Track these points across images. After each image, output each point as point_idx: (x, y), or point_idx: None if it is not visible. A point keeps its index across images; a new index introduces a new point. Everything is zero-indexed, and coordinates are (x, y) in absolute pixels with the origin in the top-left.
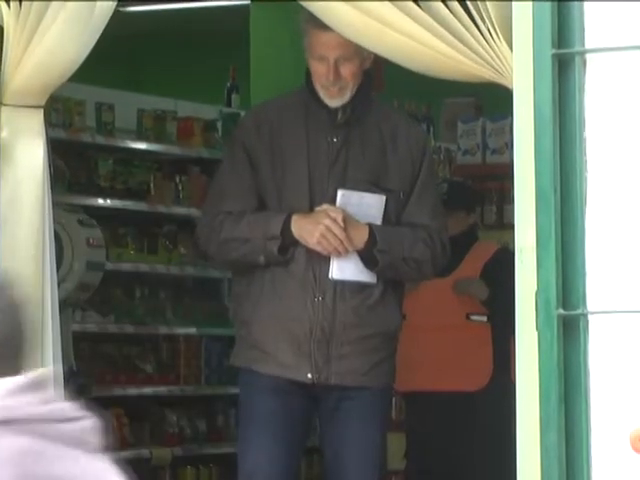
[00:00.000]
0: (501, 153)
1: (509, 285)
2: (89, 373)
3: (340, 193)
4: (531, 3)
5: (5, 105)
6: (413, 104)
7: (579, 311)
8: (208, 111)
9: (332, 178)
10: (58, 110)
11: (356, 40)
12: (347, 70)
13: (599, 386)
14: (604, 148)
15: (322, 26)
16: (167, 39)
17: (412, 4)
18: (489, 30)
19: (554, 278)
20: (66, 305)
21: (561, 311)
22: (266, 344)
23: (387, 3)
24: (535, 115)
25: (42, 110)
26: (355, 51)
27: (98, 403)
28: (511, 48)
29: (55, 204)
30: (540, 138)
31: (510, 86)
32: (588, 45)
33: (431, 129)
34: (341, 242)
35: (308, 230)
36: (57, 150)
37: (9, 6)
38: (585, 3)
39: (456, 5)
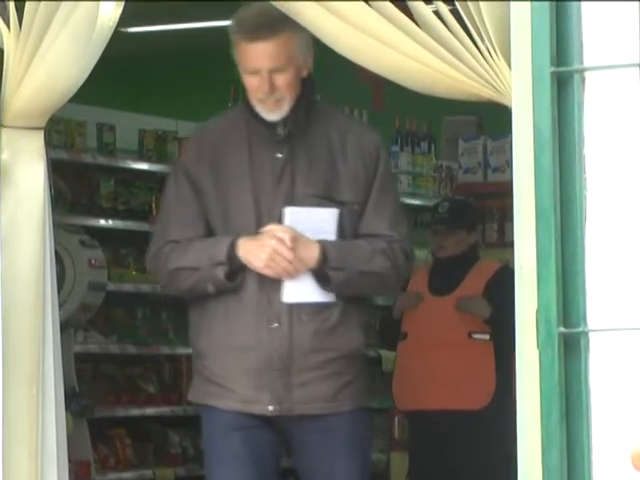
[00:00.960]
0: (502, 171)
1: (511, 303)
2: (91, 394)
3: (287, 211)
4: (529, 21)
5: (5, 127)
6: (414, 122)
7: (580, 329)
8: None
9: (279, 196)
10: (59, 131)
11: (354, 59)
12: (282, 81)
13: (600, 404)
14: (604, 166)
15: (251, 37)
16: (168, 60)
17: (411, 23)
18: (488, 49)
19: (554, 296)
20: (68, 326)
21: (562, 329)
22: (223, 378)
23: (385, 22)
24: (534, 133)
25: (43, 132)
26: (289, 60)
27: (101, 424)
28: (510, 66)
29: (57, 225)
30: (539, 156)
31: (509, 104)
32: (587, 63)
33: (432, 147)
34: (290, 263)
35: (255, 254)
36: (59, 171)
37: (9, 28)
38: (583, 21)
39: (455, 24)
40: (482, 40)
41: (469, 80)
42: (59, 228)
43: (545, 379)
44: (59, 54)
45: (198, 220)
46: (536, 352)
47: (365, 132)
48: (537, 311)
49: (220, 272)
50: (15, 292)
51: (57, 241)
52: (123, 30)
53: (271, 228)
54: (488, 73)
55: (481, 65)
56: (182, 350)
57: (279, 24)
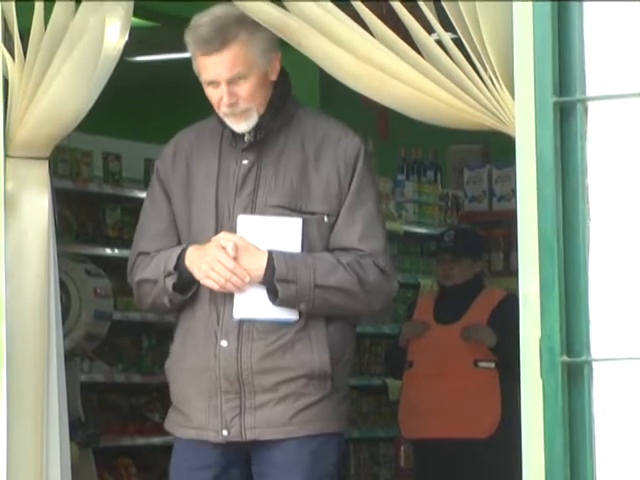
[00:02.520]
0: (508, 200)
1: (516, 331)
2: (97, 423)
3: (240, 219)
4: (532, 51)
5: (10, 157)
6: (420, 151)
7: (583, 358)
8: None
9: (240, 204)
10: (65, 160)
11: (358, 89)
12: (243, 91)
13: (604, 433)
14: (607, 195)
15: (207, 49)
16: (173, 89)
17: (414, 52)
18: (491, 78)
19: (558, 325)
20: (73, 355)
21: (565, 358)
22: (182, 402)
23: (389, 52)
24: (537, 162)
25: (47, 161)
26: (248, 68)
27: (106, 453)
28: (513, 96)
29: (62, 254)
30: (543, 186)
31: (512, 134)
32: (589, 93)
33: (438, 176)
34: (233, 274)
35: (197, 264)
36: (64, 200)
37: (14, 58)
38: (586, 51)
39: (458, 53)
40: (485, 70)
41: (472, 110)
42: (65, 257)
43: (549, 408)
44: (64, 84)
45: (171, 229)
46: (540, 381)
47: (343, 136)
48: (540, 340)
49: (169, 283)
50: (20, 321)
51: (63, 270)
52: (129, 59)
53: (218, 236)
54: (491, 102)
55: (484, 95)
56: None
57: (231, 32)
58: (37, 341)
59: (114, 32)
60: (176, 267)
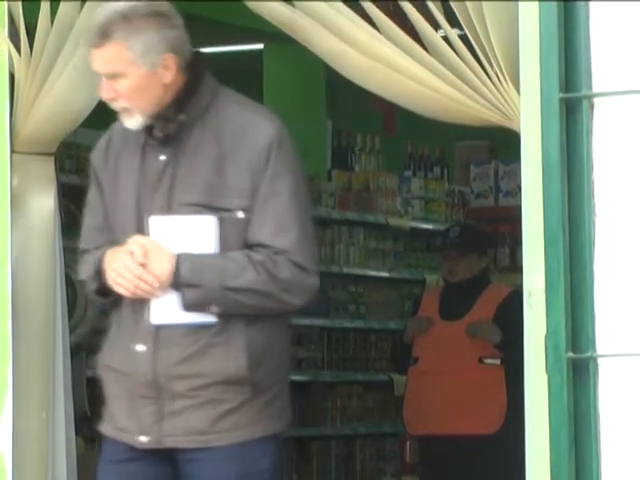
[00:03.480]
0: (514, 196)
1: (522, 328)
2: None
3: (152, 220)
4: (538, 47)
5: (16, 153)
6: (426, 147)
7: (588, 354)
8: None
9: (156, 203)
10: (71, 156)
11: (364, 85)
12: (122, 89)
13: (610, 429)
14: (612, 191)
15: (90, 41)
16: None
17: (420, 49)
18: (497, 74)
19: (563, 321)
20: (79, 350)
21: (571, 354)
22: (108, 403)
23: (395, 48)
24: (543, 159)
25: (53, 157)
26: (127, 67)
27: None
28: (519, 92)
29: (68, 249)
30: (548, 182)
31: (518, 130)
32: (595, 89)
33: (445, 172)
34: (141, 280)
35: (106, 269)
36: (70, 196)
37: (20, 54)
38: (592, 47)
39: (464, 50)
40: (491, 66)
41: (478, 106)
42: (71, 252)
43: (554, 404)
44: (70, 80)
45: (106, 225)
46: (545, 377)
47: (257, 124)
48: (546, 336)
49: (91, 286)
50: (26, 316)
51: (69, 265)
52: None
53: (130, 240)
54: (497, 99)
55: (490, 91)
56: None
57: (110, 29)
58: (43, 336)
59: None
60: (99, 271)
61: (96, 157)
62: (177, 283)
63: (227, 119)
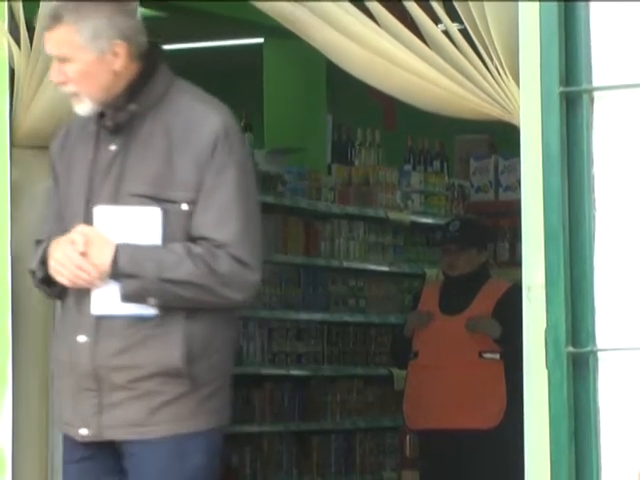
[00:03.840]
0: (514, 190)
1: (521, 322)
2: None
3: (97, 210)
4: (538, 41)
5: (16, 147)
6: (426, 141)
7: (589, 348)
8: None
9: (104, 193)
10: None
11: (364, 79)
12: (70, 72)
13: (609, 424)
14: (613, 185)
15: (45, 23)
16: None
17: (420, 43)
18: (497, 68)
19: (563, 316)
20: None
21: (570, 349)
22: (57, 394)
23: (395, 42)
24: (543, 153)
25: None
26: (75, 52)
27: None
28: (519, 86)
29: None
30: (548, 176)
31: (518, 124)
32: (596, 83)
33: (445, 166)
34: (80, 270)
35: (49, 258)
36: None
37: (20, 48)
38: (592, 41)
39: (464, 43)
40: (491, 60)
41: (478, 99)
42: None
43: (554, 399)
44: None
45: (61, 215)
46: (545, 372)
47: (205, 116)
48: (546, 331)
49: (37, 276)
50: (26, 308)
51: None
52: None
53: (73, 230)
54: (497, 92)
55: (490, 85)
56: None
57: (61, 13)
58: (43, 331)
59: None
60: (43, 261)
61: (54, 147)
62: (115, 273)
63: (178, 111)
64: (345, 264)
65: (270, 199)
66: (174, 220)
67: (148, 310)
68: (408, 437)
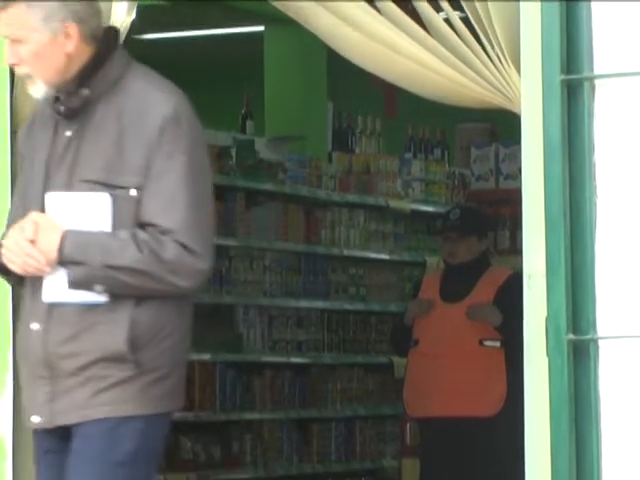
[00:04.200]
0: (514, 178)
1: (522, 310)
2: None
3: (48, 197)
4: (540, 29)
5: (17, 132)
6: (427, 129)
7: (589, 336)
8: (222, 138)
9: (60, 178)
10: None
11: (365, 67)
12: (23, 53)
13: (610, 411)
14: (614, 173)
15: None
16: (181, 66)
17: (421, 30)
18: (498, 56)
19: (564, 303)
20: None
21: (571, 336)
22: (21, 384)
23: (396, 30)
24: (544, 140)
25: None
26: (28, 32)
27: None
28: (520, 74)
29: None
30: (549, 164)
31: (519, 112)
32: (597, 71)
33: (446, 154)
34: (29, 257)
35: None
36: None
37: None
38: (594, 28)
39: (465, 31)
40: (492, 47)
41: (479, 87)
42: None
43: (555, 386)
44: None
45: (23, 201)
46: (545, 359)
47: (156, 101)
48: (546, 319)
49: None
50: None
51: None
52: (137, 37)
53: (27, 217)
54: (498, 80)
55: (491, 72)
56: (194, 356)
57: None
58: None
59: (121, 10)
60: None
61: (21, 132)
62: (62, 260)
63: (131, 95)
64: (345, 252)
65: (270, 187)
66: (124, 206)
67: (98, 297)
68: (408, 425)
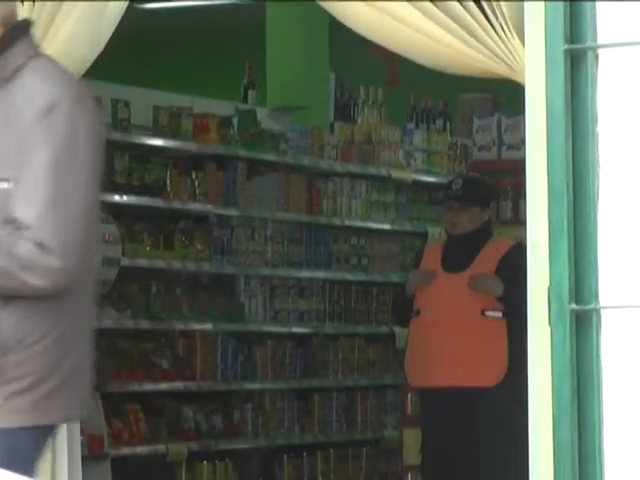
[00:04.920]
0: (517, 149)
1: (524, 280)
2: (106, 369)
3: None
4: None
5: None
6: (429, 100)
7: (592, 306)
8: (224, 107)
9: None
10: None
11: (367, 35)
12: None
13: (612, 381)
14: (616, 143)
15: None
16: (183, 36)
17: (426, 1)
18: (502, 26)
19: (567, 273)
20: None
21: (574, 306)
22: None
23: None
24: (547, 111)
25: None
26: None
27: (115, 399)
28: (523, 44)
29: None
30: (552, 134)
31: (522, 81)
32: (600, 40)
33: (448, 124)
34: None
35: None
36: None
37: (22, 1)
38: None
39: (469, 1)
40: (496, 17)
41: (482, 57)
42: None
43: (557, 356)
44: (73, 28)
45: None
46: (548, 329)
47: (36, 93)
48: (549, 288)
49: None
50: None
51: None
52: (138, 6)
53: None
54: (501, 50)
55: (494, 42)
56: (196, 325)
57: None
58: None
59: None
60: None
61: None
62: None
63: (21, 87)
64: (347, 222)
65: (272, 157)
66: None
67: None
68: (409, 395)
